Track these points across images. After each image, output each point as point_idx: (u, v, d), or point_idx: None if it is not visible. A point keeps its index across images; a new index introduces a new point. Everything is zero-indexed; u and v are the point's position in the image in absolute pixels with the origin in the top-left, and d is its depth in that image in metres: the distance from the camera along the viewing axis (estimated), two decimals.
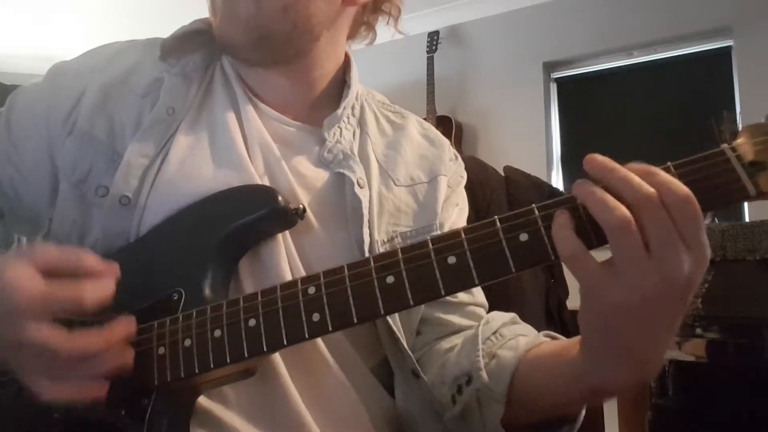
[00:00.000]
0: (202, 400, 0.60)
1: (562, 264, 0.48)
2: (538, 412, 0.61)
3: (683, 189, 0.45)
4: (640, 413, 1.81)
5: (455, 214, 0.78)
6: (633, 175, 0.46)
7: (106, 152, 0.68)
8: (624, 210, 0.44)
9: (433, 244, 0.51)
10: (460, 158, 0.84)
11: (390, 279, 0.51)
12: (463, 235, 0.50)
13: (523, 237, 0.49)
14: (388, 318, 0.67)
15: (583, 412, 0.62)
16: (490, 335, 0.67)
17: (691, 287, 0.46)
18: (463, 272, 0.50)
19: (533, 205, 0.49)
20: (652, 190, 0.45)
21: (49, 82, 0.75)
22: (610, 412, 1.83)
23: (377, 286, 0.51)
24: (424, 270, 0.50)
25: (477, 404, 0.64)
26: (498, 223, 0.49)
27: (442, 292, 0.50)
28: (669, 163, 0.48)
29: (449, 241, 0.50)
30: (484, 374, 0.62)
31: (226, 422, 0.60)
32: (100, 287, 0.53)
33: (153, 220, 0.65)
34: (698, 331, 1.82)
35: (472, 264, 0.49)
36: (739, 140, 0.48)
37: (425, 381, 0.67)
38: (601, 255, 0.48)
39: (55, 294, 0.52)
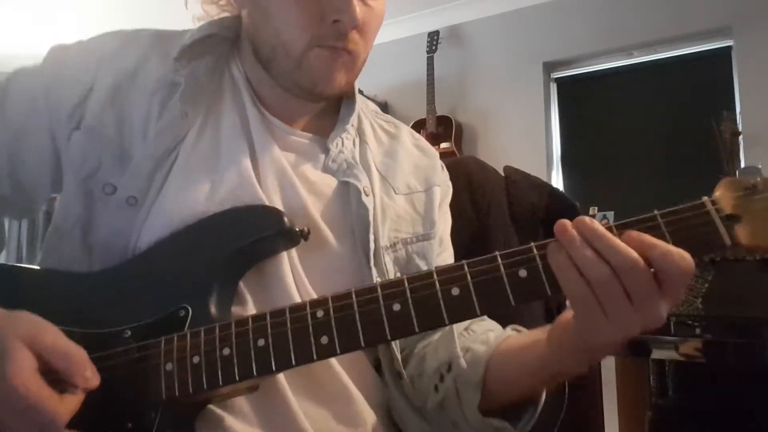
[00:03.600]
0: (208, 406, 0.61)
1: None
2: (507, 396, 0.65)
3: (682, 260, 0.48)
4: (640, 413, 1.81)
5: (442, 223, 0.81)
6: (617, 241, 0.49)
7: (114, 150, 0.69)
8: (605, 268, 0.49)
9: (438, 275, 0.53)
10: (446, 169, 0.87)
11: (397, 306, 0.54)
12: (466, 269, 0.53)
13: (523, 273, 0.52)
14: None
15: (544, 395, 0.67)
16: (462, 331, 0.72)
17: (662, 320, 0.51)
18: (465, 303, 0.53)
19: (532, 243, 0.53)
20: (635, 256, 0.48)
21: (49, 67, 0.74)
22: (610, 412, 1.83)
23: (384, 312, 0.54)
24: (429, 300, 0.53)
25: (455, 392, 0.67)
26: (499, 259, 0.53)
27: (446, 321, 0.53)
28: (656, 212, 0.51)
29: (453, 273, 0.53)
30: (462, 361, 0.66)
31: (229, 427, 0.60)
32: (70, 407, 0.52)
33: (156, 223, 0.65)
34: (698, 331, 1.81)
35: (474, 296, 0.53)
36: (718, 193, 0.52)
37: (407, 382, 0.70)
38: None
39: (36, 400, 0.50)
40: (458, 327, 0.71)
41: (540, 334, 0.62)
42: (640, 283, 0.48)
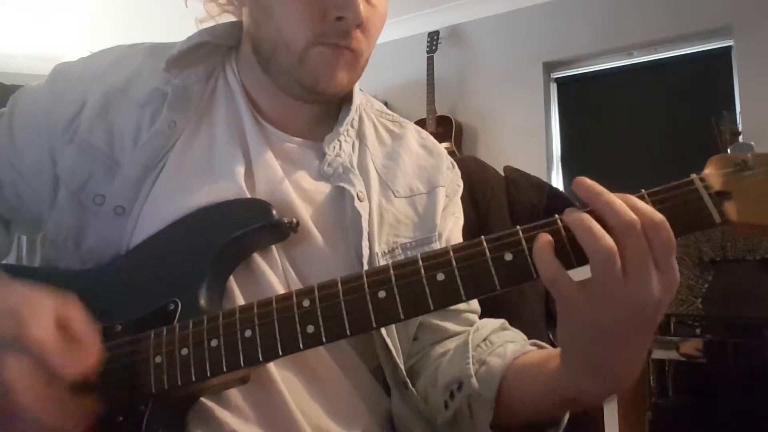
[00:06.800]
0: (201, 399, 0.61)
1: None
2: (522, 416, 0.64)
3: (658, 216, 0.48)
4: (640, 413, 1.82)
5: (452, 224, 0.80)
6: (617, 200, 0.48)
7: (104, 161, 0.69)
8: (609, 240, 0.47)
9: (423, 261, 0.53)
10: (456, 167, 0.85)
11: (382, 294, 0.53)
12: (451, 254, 0.53)
13: (508, 257, 0.51)
14: (383, 331, 0.68)
15: (566, 417, 0.64)
16: (480, 342, 0.69)
17: (661, 309, 0.48)
18: (451, 288, 0.52)
19: (518, 227, 0.52)
20: (634, 216, 0.47)
21: (51, 85, 0.75)
22: (610, 412, 1.83)
23: (369, 300, 0.53)
24: (414, 286, 0.53)
25: (468, 409, 0.65)
26: (485, 243, 0.52)
27: (431, 307, 0.53)
28: (643, 191, 0.51)
29: (438, 258, 0.53)
30: (474, 381, 0.64)
31: (222, 421, 0.60)
32: (85, 364, 0.53)
33: (145, 231, 0.66)
34: (698, 331, 1.82)
35: (459, 281, 0.52)
36: (707, 170, 0.51)
37: (413, 392, 0.69)
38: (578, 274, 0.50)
39: (51, 351, 0.51)
40: (475, 338, 0.69)
41: (556, 351, 0.59)
42: (660, 240, 0.47)
